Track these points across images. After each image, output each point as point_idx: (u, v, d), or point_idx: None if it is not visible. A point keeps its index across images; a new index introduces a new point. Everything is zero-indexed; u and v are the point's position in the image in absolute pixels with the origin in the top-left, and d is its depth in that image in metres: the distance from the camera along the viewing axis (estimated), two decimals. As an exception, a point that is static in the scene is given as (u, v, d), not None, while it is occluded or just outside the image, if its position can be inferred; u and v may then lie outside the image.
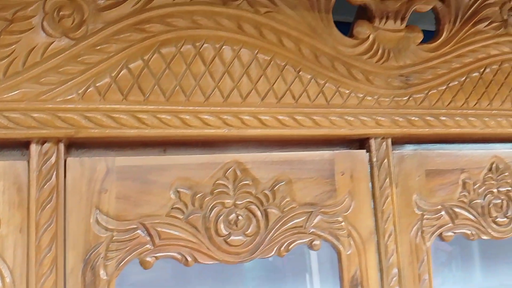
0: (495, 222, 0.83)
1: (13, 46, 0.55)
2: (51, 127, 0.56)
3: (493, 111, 0.81)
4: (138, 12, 0.59)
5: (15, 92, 0.55)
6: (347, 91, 0.72)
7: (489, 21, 0.82)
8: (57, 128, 0.57)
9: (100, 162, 0.60)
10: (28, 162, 0.57)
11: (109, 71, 0.58)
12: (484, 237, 0.83)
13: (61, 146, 0.58)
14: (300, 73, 0.69)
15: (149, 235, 0.61)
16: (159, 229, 0.62)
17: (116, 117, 0.59)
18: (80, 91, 0.57)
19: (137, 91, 0.60)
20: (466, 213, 0.81)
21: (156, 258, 0.62)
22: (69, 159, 0.59)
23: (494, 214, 0.83)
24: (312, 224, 0.70)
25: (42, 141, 0.57)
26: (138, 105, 0.60)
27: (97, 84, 0.58)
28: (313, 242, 0.71)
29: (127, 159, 0.61)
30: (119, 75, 0.59)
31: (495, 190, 0.84)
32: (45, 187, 0.57)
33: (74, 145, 0.61)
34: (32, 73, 0.55)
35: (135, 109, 0.59)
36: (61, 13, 0.56)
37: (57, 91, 0.56)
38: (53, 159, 0.58)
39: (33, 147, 0.57)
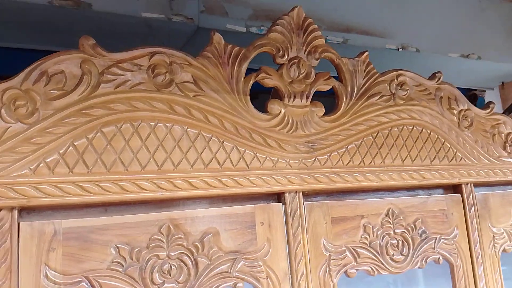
0: (392, 259, 1.00)
1: (-26, 132, 0.65)
2: (6, 198, 0.67)
3: (386, 167, 1.00)
4: (83, 100, 0.72)
5: (-26, 170, 0.65)
6: (263, 156, 0.87)
7: (380, 95, 1.01)
8: (11, 199, 0.67)
9: (49, 225, 0.70)
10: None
11: (57, 149, 0.70)
12: (384, 273, 0.99)
13: (15, 213, 0.68)
14: (223, 143, 0.83)
15: (92, 286, 0.72)
16: (101, 281, 0.72)
17: (63, 187, 0.70)
18: (32, 167, 0.68)
19: (81, 164, 0.71)
20: (367, 253, 0.97)
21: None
22: (21, 224, 0.69)
23: (391, 252, 1.00)
24: (236, 269, 0.83)
25: (-3, 209, 0.67)
26: (82, 176, 0.71)
27: (47, 160, 0.69)
28: (237, 285, 0.83)
29: (72, 221, 0.72)
30: (66, 152, 0.70)
31: (391, 232, 1.02)
32: (0, 248, 0.67)
33: (26, 209, 0.71)
34: (-10, 154, 0.66)
35: (79, 180, 0.71)
36: (16, 103, 0.67)
37: (12, 168, 0.67)
38: (7, 224, 0.67)
39: (-11, 216, 0.67)
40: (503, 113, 2.53)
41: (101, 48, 0.73)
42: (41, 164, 0.69)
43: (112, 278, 0.73)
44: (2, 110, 0.67)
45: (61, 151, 0.70)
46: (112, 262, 0.73)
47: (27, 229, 0.69)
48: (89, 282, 0.71)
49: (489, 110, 1.20)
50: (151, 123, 0.77)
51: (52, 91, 0.70)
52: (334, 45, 1.75)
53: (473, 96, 2.72)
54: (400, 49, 1.99)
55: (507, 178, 1.19)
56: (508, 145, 1.21)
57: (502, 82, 2.71)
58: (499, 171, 1.18)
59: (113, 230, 0.75)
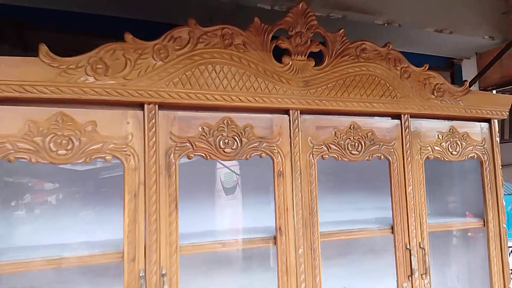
0: (351, 153, 1.72)
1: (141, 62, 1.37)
2: (154, 97, 1.39)
3: (351, 99, 1.69)
4: (189, 51, 1.43)
5: (143, 82, 1.37)
6: (279, 87, 1.57)
7: (349, 55, 1.70)
8: (156, 98, 1.39)
9: (172, 114, 1.43)
10: (144, 113, 1.39)
11: (177, 75, 1.42)
12: (344, 159, 1.71)
13: (156, 107, 1.41)
14: (257, 78, 1.54)
15: (191, 144, 1.45)
16: (196, 142, 1.46)
17: (181, 94, 1.42)
18: (166, 83, 1.40)
19: (188, 84, 1.43)
20: (335, 147, 1.69)
21: (195, 155, 1.46)
22: (160, 112, 1.42)
23: (350, 148, 1.72)
24: (262, 147, 1.56)
25: (149, 103, 1.40)
26: (189, 90, 1.43)
27: (173, 81, 1.41)
28: (262, 154, 1.56)
29: (182, 113, 1.45)
30: (181, 77, 1.42)
31: (352, 138, 1.72)
32: (150, 124, 1.40)
33: (161, 106, 1.42)
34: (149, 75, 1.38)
35: (187, 92, 1.43)
36: (160, 51, 1.39)
37: (157, 83, 1.39)
38: (153, 112, 1.40)
39: (145, 106, 1.40)
40: (471, 81, 3.13)
41: (197, 24, 1.43)
42: (169, 83, 1.41)
43: (201, 141, 1.47)
44: (154, 55, 1.38)
45: (179, 77, 1.42)
46: (201, 135, 1.47)
47: (161, 114, 1.42)
48: (190, 143, 1.45)
49: (423, 68, 1.86)
50: (221, 66, 1.48)
51: (176, 46, 1.41)
52: (335, 20, 2.39)
53: (451, 64, 3.33)
54: (386, 24, 2.62)
55: (431, 112, 1.87)
56: (435, 91, 1.88)
57: (476, 53, 3.30)
58: (427, 107, 1.86)
59: (198, 120, 1.47)
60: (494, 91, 4.49)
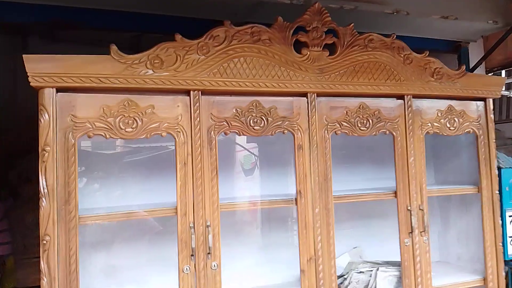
0: (360, 129, 2.02)
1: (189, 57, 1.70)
2: (197, 85, 1.72)
3: (360, 83, 1.99)
4: (225, 47, 1.74)
5: (189, 73, 1.70)
6: (298, 75, 1.88)
7: (358, 46, 1.99)
8: (200, 86, 1.72)
9: (212, 98, 1.76)
10: (190, 98, 1.73)
11: (216, 67, 1.74)
12: (355, 134, 2.02)
13: (199, 93, 1.74)
14: (280, 67, 1.85)
15: (227, 123, 1.78)
16: (231, 122, 1.79)
17: (218, 82, 1.75)
18: (207, 74, 1.73)
19: (225, 74, 1.75)
20: (346, 124, 2.00)
21: (230, 132, 1.79)
22: (202, 97, 1.75)
23: (359, 125, 2.02)
24: (284, 125, 1.88)
25: (194, 90, 1.73)
26: (224, 79, 1.75)
27: (213, 71, 1.73)
28: (284, 131, 1.89)
29: (219, 98, 1.78)
30: (219, 68, 1.74)
31: (361, 116, 2.03)
32: (195, 107, 1.73)
33: (203, 92, 1.75)
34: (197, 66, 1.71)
35: (222, 80, 1.75)
36: (203, 47, 1.71)
37: (200, 73, 1.72)
38: (197, 97, 1.73)
39: (191, 93, 1.73)
40: (476, 63, 3.35)
41: (231, 24, 1.75)
42: (210, 73, 1.73)
43: (235, 121, 1.80)
44: (198, 51, 1.71)
45: (218, 68, 1.74)
46: (235, 115, 1.80)
47: (203, 99, 1.75)
48: (226, 122, 1.79)
49: (423, 54, 2.13)
50: (250, 58, 1.80)
51: (215, 43, 1.74)
52: (347, 10, 2.66)
53: (458, 47, 3.55)
54: (395, 13, 2.86)
55: (431, 93, 2.15)
56: (435, 74, 2.15)
57: (482, 36, 3.50)
58: (427, 89, 2.14)
59: (232, 103, 1.80)
60: (503, 72, 4.70)
